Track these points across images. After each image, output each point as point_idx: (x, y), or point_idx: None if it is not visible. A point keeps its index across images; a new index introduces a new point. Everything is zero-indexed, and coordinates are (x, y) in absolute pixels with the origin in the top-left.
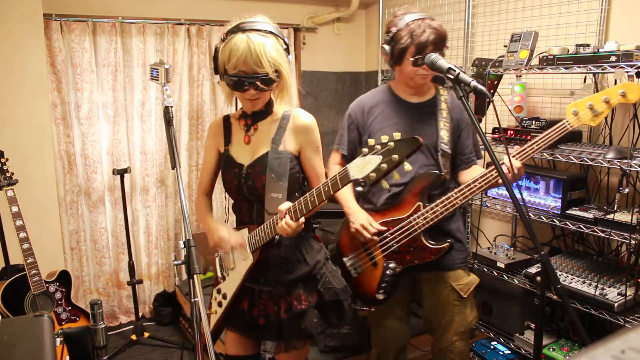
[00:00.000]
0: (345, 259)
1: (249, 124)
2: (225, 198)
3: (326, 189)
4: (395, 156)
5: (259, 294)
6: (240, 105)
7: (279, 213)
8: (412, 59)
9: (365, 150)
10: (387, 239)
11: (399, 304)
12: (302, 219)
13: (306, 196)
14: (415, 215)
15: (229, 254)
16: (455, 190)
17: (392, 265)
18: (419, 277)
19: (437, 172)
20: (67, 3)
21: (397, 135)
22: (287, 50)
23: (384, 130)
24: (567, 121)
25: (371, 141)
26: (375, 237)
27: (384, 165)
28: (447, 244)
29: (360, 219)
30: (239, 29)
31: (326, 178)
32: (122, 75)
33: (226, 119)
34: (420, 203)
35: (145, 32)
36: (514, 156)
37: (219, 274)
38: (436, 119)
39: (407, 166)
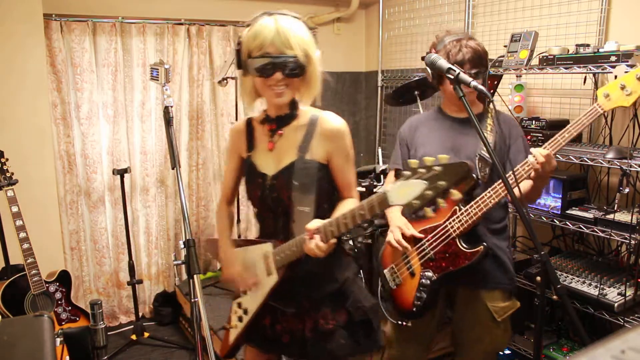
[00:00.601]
0: (385, 271)
1: (273, 129)
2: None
3: (362, 212)
4: (443, 183)
5: (282, 310)
6: (255, 108)
7: (307, 232)
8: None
9: (407, 173)
10: (424, 247)
11: (426, 327)
12: (333, 241)
13: (338, 218)
14: (451, 220)
15: (251, 267)
16: (489, 189)
17: (428, 273)
18: (455, 293)
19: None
20: (67, 3)
21: (443, 158)
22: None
23: (427, 144)
24: (598, 105)
25: (414, 163)
26: (408, 247)
27: (429, 193)
28: (482, 247)
29: (396, 232)
30: (264, 14)
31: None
32: (122, 75)
33: (249, 123)
34: (457, 207)
35: (145, 32)
36: (548, 144)
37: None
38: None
39: (456, 194)
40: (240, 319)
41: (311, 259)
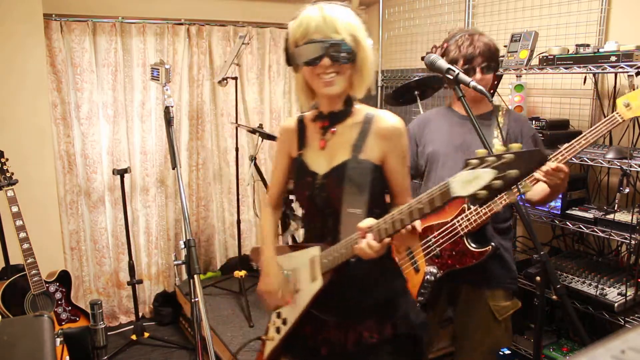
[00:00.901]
0: None
1: (326, 126)
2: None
3: (420, 207)
4: (515, 171)
5: (324, 319)
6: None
7: (358, 231)
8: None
9: (473, 161)
10: (430, 243)
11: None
12: (387, 240)
13: (393, 214)
14: (459, 218)
15: (293, 274)
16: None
17: (433, 270)
18: (457, 291)
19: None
20: (67, 3)
21: (515, 146)
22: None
23: (437, 140)
24: (617, 113)
25: (481, 152)
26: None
27: (498, 182)
28: (490, 247)
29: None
30: (309, 4)
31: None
32: (122, 75)
33: (300, 120)
34: (465, 205)
35: (145, 32)
36: (564, 149)
37: None
38: (490, 129)
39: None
40: (278, 330)
41: (359, 264)
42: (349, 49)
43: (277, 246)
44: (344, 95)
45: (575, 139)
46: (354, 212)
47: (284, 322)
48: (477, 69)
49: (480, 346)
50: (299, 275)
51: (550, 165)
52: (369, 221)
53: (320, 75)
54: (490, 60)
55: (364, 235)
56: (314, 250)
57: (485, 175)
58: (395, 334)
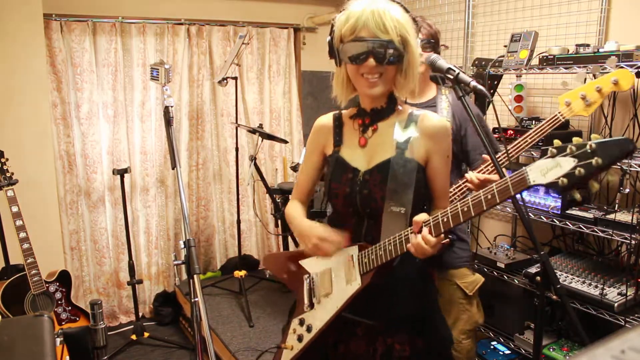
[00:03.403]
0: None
1: (367, 123)
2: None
3: (489, 197)
4: (598, 160)
5: (351, 328)
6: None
7: (413, 225)
8: None
9: (553, 150)
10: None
11: None
12: (442, 236)
13: (457, 205)
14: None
15: (322, 277)
16: (454, 186)
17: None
18: None
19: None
20: (67, 3)
21: (596, 137)
22: (417, 31)
23: None
24: (559, 112)
25: (557, 142)
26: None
27: (581, 170)
28: (448, 239)
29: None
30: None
31: None
32: (122, 75)
33: (337, 117)
34: None
35: (145, 32)
36: (511, 147)
37: (306, 301)
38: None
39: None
40: (300, 338)
41: (401, 268)
42: (397, 50)
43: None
44: (387, 93)
45: (522, 137)
46: (397, 211)
47: (308, 329)
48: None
49: (458, 323)
50: (331, 277)
51: (478, 176)
52: (424, 215)
53: (364, 75)
54: (434, 46)
55: (419, 230)
56: (351, 250)
57: (565, 164)
58: (426, 349)
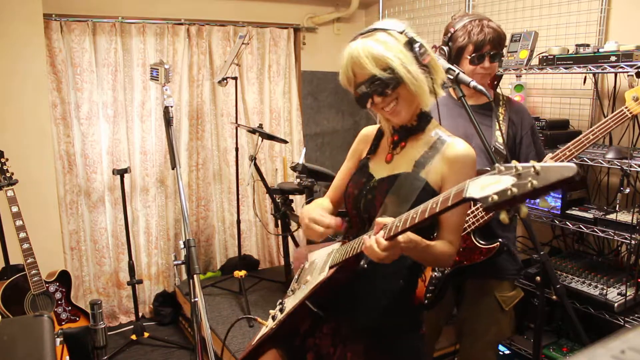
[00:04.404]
0: None
1: (396, 140)
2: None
3: (434, 205)
4: (534, 182)
5: (320, 323)
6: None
7: (375, 226)
8: (469, 57)
9: (501, 167)
10: None
11: (435, 319)
12: (400, 239)
13: (409, 212)
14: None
15: (312, 266)
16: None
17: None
18: (464, 287)
19: (489, 168)
20: (67, 3)
21: (549, 159)
22: (410, 43)
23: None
24: (626, 107)
25: (514, 162)
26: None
27: (513, 190)
28: (498, 243)
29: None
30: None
31: None
32: (122, 75)
33: (380, 130)
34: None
35: (145, 32)
36: (571, 144)
37: (292, 286)
38: (492, 120)
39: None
40: (274, 318)
41: (371, 274)
42: (389, 78)
43: (317, 243)
44: (417, 111)
45: (583, 134)
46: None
47: (281, 310)
48: (486, 57)
49: (485, 335)
50: (314, 267)
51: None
52: (390, 219)
53: (383, 109)
54: (498, 47)
55: (378, 231)
56: (335, 245)
57: (504, 181)
58: None
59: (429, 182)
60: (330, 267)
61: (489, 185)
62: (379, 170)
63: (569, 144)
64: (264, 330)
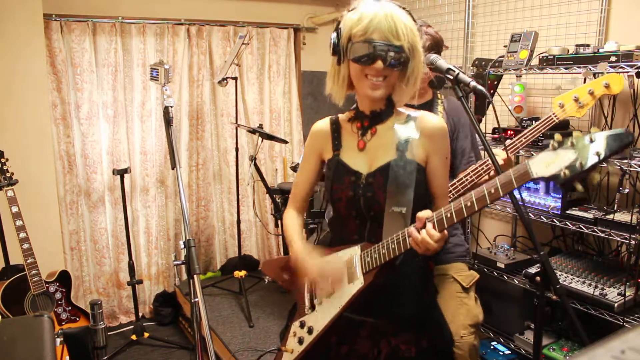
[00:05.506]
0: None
1: (366, 126)
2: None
3: (492, 190)
4: (599, 151)
5: (355, 328)
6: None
7: (417, 221)
8: None
9: (554, 143)
10: None
11: None
12: (446, 232)
13: (460, 199)
14: None
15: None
16: (449, 184)
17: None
18: None
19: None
20: (67, 3)
21: (595, 130)
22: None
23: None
24: (553, 113)
25: (558, 136)
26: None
27: (582, 162)
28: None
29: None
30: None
31: None
32: (122, 75)
33: (334, 121)
34: None
35: (145, 32)
36: (504, 149)
37: (307, 303)
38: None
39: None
40: (300, 340)
41: (404, 267)
42: (405, 56)
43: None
44: (387, 96)
45: (517, 137)
46: (398, 211)
47: (309, 331)
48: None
49: (457, 317)
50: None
51: (502, 155)
52: (427, 212)
53: (368, 76)
54: (437, 53)
55: (423, 226)
56: (353, 250)
57: (567, 156)
58: (430, 349)
59: (418, 161)
60: (366, 273)
61: (552, 163)
62: (359, 162)
63: (506, 145)
64: (289, 356)
